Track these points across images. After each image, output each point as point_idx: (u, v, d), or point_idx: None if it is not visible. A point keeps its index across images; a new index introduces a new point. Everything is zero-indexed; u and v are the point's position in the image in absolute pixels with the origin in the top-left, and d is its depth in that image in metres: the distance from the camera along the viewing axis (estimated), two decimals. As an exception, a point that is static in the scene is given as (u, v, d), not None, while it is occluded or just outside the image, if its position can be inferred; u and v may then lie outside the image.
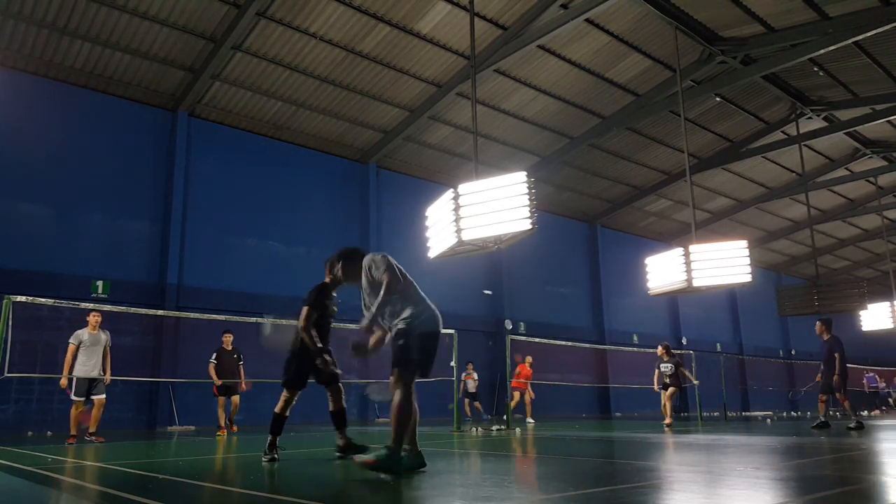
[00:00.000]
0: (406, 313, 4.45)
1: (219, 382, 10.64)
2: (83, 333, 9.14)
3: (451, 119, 16.47)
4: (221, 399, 10.69)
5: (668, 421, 11.85)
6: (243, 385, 10.91)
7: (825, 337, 11.14)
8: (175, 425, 12.98)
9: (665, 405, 12.23)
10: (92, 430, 9.00)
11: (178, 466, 5.60)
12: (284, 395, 5.66)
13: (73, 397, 9.04)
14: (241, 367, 10.93)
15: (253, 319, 11.88)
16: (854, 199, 24.60)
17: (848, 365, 11.12)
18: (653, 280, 11.40)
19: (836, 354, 10.93)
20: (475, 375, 16.77)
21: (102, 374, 9.17)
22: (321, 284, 5.71)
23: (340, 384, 5.81)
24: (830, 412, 10.96)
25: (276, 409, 5.65)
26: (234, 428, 10.93)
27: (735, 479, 4.25)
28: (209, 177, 14.56)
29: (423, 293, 4.64)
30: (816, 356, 29.14)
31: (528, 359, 15.60)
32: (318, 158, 16.52)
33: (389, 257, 4.63)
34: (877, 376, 25.58)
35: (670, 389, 12.28)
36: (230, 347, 10.97)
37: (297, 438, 9.32)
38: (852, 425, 10.24)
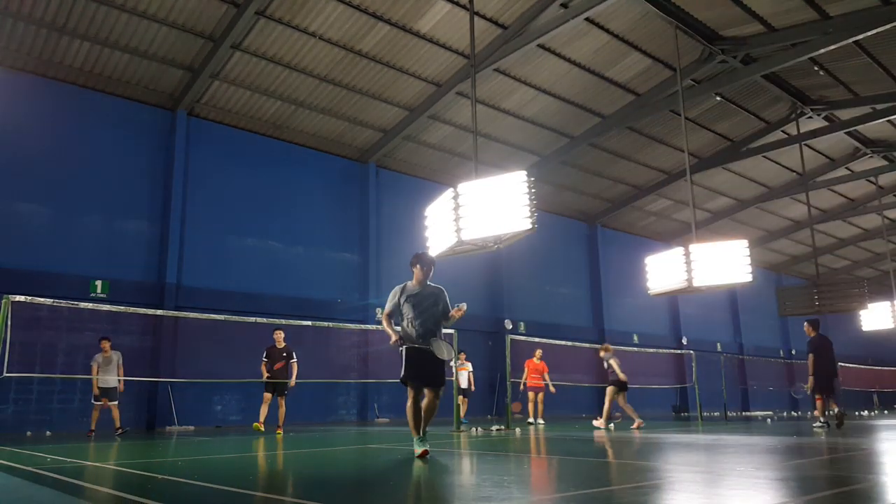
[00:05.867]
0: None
1: (264, 379, 10.50)
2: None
3: (450, 118, 16.45)
4: (267, 395, 10.47)
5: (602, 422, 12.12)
6: (292, 381, 10.61)
7: (811, 336, 11.57)
8: (174, 425, 12.97)
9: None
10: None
11: (176, 466, 5.59)
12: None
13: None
14: (294, 364, 10.66)
15: (252, 319, 11.89)
16: (854, 198, 24.57)
17: (842, 364, 11.37)
18: (653, 280, 11.39)
19: (810, 354, 11.35)
20: (469, 367, 14.62)
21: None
22: None
23: None
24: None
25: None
26: (280, 431, 10.40)
27: (735, 479, 4.23)
28: (208, 176, 14.52)
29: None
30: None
31: (538, 352, 14.94)
32: (318, 158, 16.48)
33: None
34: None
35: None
36: (282, 345, 10.74)
37: (297, 438, 9.30)
38: (816, 425, 10.86)
